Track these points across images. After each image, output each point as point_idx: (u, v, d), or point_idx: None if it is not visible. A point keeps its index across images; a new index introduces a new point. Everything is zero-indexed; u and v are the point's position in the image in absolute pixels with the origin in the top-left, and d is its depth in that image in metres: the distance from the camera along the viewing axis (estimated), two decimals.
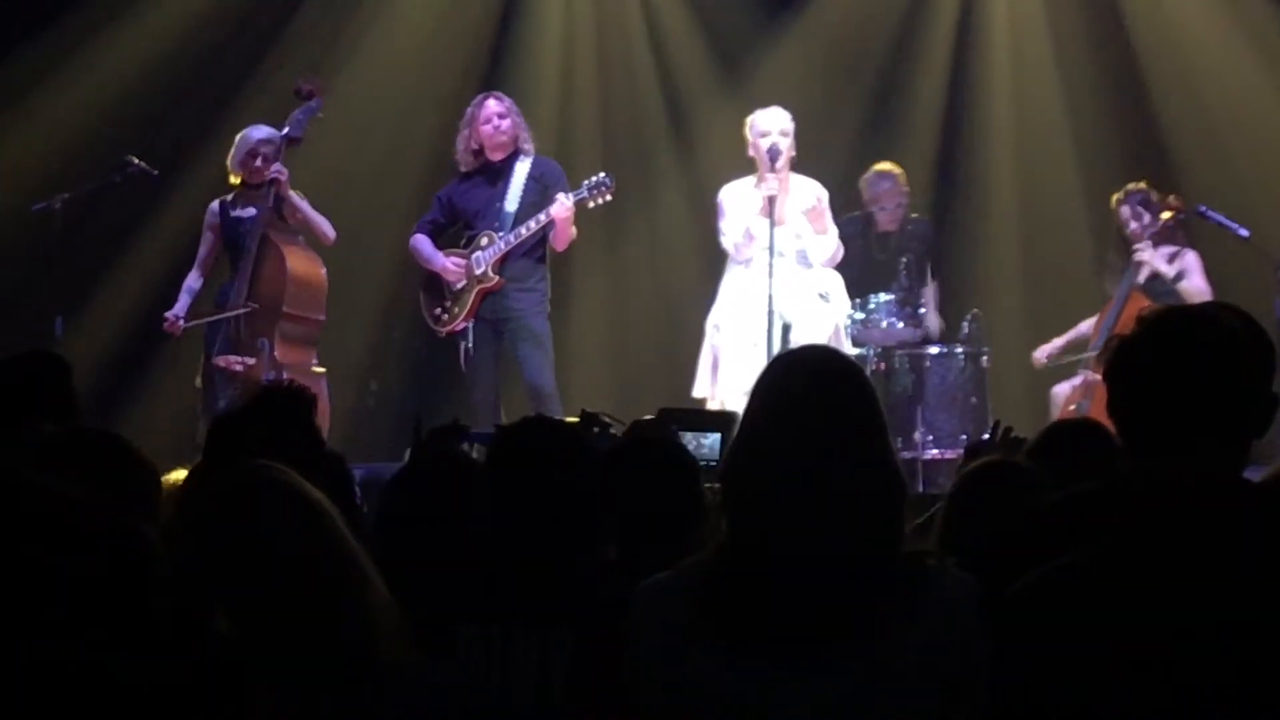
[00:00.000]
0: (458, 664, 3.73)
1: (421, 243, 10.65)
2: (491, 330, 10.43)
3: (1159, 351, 2.89)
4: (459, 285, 10.46)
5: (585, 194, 10.28)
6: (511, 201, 10.42)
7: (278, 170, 10.27)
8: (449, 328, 10.51)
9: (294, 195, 10.39)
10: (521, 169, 10.48)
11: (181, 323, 10.37)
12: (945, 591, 3.13)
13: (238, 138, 10.49)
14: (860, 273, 11.11)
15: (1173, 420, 2.85)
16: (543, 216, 10.25)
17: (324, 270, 10.46)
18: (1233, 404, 2.86)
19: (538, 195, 10.38)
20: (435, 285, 10.61)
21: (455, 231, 10.71)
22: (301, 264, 10.34)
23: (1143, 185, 10.88)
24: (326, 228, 10.49)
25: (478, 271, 10.39)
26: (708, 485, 4.25)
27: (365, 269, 12.37)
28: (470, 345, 10.42)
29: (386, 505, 4.49)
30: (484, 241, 10.42)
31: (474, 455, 5.79)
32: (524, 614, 3.85)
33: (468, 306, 10.42)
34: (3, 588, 2.14)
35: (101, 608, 2.20)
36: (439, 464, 4.60)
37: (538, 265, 10.46)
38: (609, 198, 10.35)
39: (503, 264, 10.36)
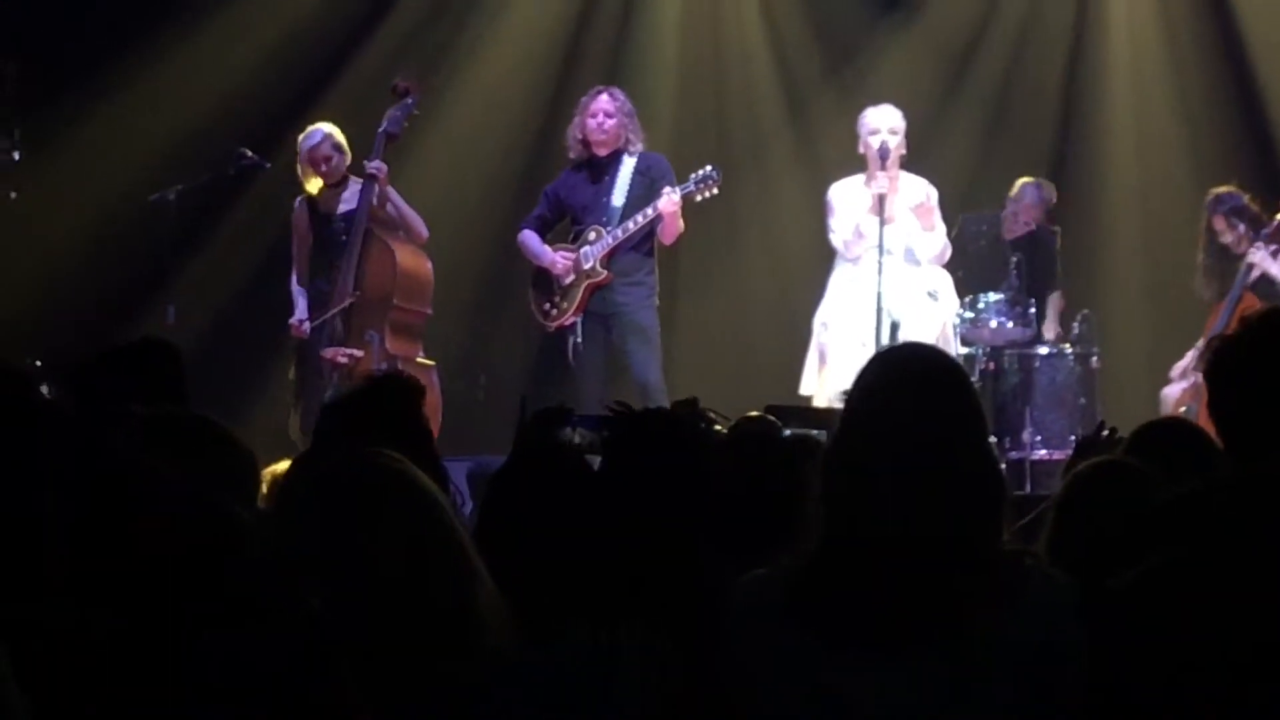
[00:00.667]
0: (565, 659, 3.73)
1: (529, 238, 10.70)
2: (600, 324, 10.46)
3: (1258, 351, 2.87)
4: (567, 280, 10.49)
5: (692, 188, 10.27)
6: (618, 196, 10.45)
7: (377, 166, 10.33)
8: (557, 322, 10.55)
9: (391, 191, 10.46)
10: (628, 164, 10.50)
11: (307, 324, 10.43)
12: (1043, 591, 3.11)
13: (298, 147, 10.54)
14: (976, 272, 11.08)
15: (1272, 420, 2.84)
16: (650, 211, 10.26)
17: (430, 264, 10.53)
18: None
19: (644, 189, 10.40)
20: (544, 280, 10.65)
21: (563, 227, 10.75)
22: (409, 258, 10.40)
23: (1233, 189, 10.75)
24: (420, 226, 10.53)
25: (586, 266, 10.42)
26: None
27: (474, 263, 12.43)
28: (579, 339, 10.46)
29: (491, 499, 4.49)
30: (592, 236, 10.45)
31: (578, 439, 5.79)
32: (635, 611, 3.84)
33: (576, 301, 10.45)
34: (96, 564, 2.17)
35: (190, 587, 2.23)
36: (544, 459, 4.59)
37: (645, 259, 10.48)
38: (716, 191, 10.34)
39: (611, 258, 10.39)
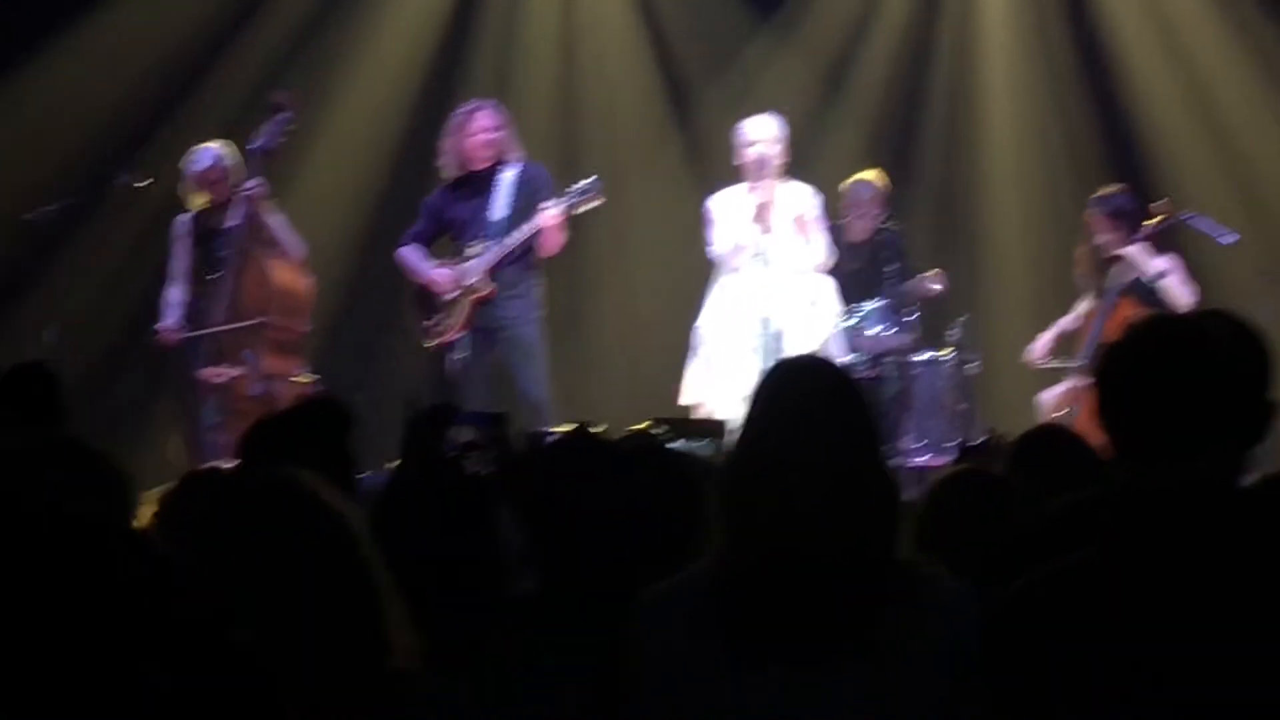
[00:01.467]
0: (481, 677, 3.71)
1: (408, 253, 10.58)
2: (484, 339, 10.34)
3: (1148, 359, 2.89)
4: (450, 296, 10.38)
5: (574, 199, 10.20)
6: (500, 209, 10.34)
7: (254, 185, 10.26)
8: (440, 339, 10.44)
9: (267, 211, 10.37)
10: (508, 176, 10.40)
11: (174, 335, 10.35)
12: (942, 597, 3.15)
13: (183, 165, 10.47)
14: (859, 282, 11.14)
15: (1163, 428, 2.85)
16: (531, 224, 10.18)
17: (307, 281, 10.45)
18: (1223, 411, 2.86)
19: (526, 200, 10.28)
20: (425, 297, 10.54)
21: (444, 242, 10.66)
22: (285, 275, 10.32)
23: (1122, 189, 10.80)
24: (295, 246, 10.46)
25: (469, 281, 10.31)
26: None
27: (354, 278, 12.37)
28: (465, 356, 10.31)
29: (379, 519, 4.44)
30: (474, 250, 10.36)
31: (468, 437, 5.78)
32: (549, 624, 3.82)
33: (461, 317, 10.33)
34: (22, 602, 2.14)
35: (123, 619, 2.20)
36: (427, 476, 4.56)
37: (527, 272, 10.38)
38: (598, 202, 10.27)
39: (494, 272, 10.29)
